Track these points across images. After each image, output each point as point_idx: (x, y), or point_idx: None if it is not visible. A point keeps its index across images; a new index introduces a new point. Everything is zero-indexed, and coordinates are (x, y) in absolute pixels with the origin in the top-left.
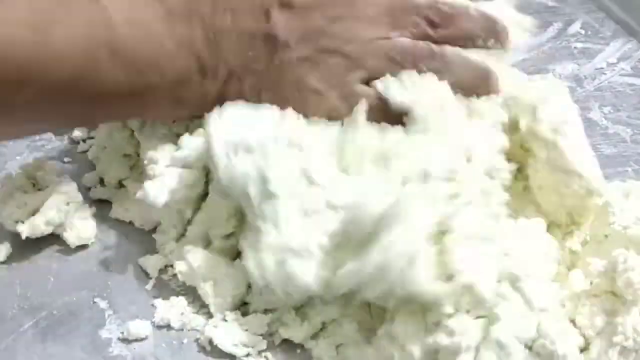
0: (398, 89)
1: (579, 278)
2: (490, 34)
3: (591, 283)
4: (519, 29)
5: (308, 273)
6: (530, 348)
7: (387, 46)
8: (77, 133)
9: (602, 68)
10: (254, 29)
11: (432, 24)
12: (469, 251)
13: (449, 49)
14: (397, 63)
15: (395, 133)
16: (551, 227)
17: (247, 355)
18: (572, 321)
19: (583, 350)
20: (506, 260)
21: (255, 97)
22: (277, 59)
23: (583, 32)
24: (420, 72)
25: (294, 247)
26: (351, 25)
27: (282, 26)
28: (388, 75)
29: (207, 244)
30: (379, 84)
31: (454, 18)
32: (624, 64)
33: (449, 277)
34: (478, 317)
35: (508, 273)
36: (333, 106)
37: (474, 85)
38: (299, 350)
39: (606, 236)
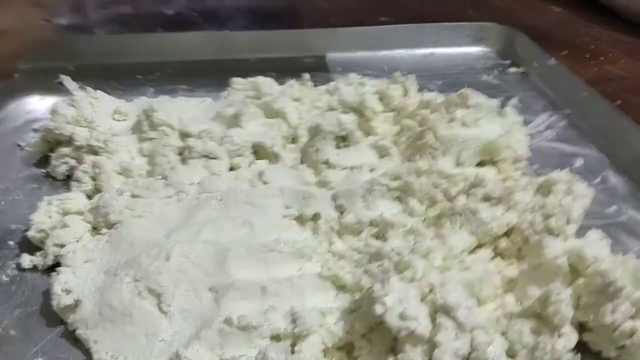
0: None
1: (512, 301)
2: None
3: (521, 304)
4: None
5: None
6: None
7: None
8: None
9: (533, 134)
10: None
11: None
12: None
13: None
14: None
15: None
16: (496, 257)
17: None
18: (505, 334)
19: (510, 357)
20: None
21: None
22: None
23: (520, 105)
24: None
25: None
26: None
27: None
28: None
29: None
30: None
31: None
32: (550, 132)
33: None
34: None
35: (442, 306)
36: None
37: None
38: None
39: (540, 265)
